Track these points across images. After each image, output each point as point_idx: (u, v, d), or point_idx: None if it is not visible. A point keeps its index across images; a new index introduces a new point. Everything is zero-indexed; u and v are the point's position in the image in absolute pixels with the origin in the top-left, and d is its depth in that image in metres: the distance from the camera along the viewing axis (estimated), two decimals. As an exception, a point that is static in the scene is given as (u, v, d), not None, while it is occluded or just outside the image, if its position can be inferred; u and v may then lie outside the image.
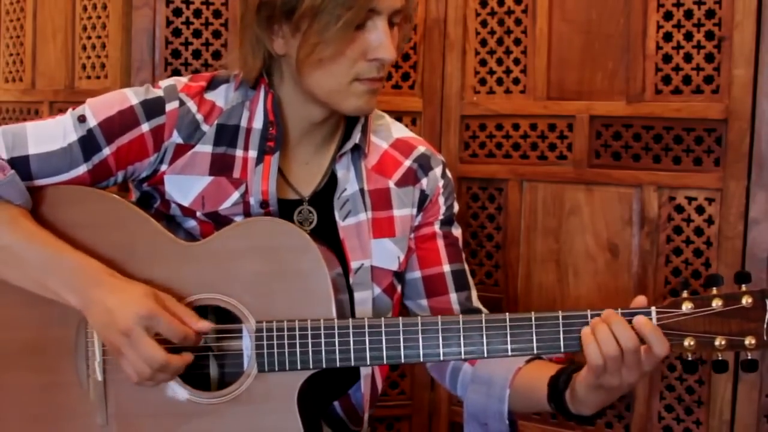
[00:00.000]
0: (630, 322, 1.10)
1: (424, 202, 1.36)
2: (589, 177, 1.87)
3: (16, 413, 1.23)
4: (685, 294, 1.12)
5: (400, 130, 1.40)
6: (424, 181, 1.35)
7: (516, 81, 1.95)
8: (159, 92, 1.26)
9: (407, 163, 1.35)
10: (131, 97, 1.25)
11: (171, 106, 1.25)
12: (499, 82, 1.97)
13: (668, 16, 1.78)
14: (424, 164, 1.36)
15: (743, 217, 1.71)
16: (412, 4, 1.25)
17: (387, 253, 1.32)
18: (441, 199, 1.37)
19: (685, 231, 1.79)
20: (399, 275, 1.35)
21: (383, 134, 1.37)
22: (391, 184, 1.34)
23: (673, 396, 1.81)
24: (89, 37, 2.03)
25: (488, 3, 1.97)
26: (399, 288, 1.36)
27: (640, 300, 1.14)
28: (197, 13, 1.94)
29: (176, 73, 1.94)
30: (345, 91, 1.21)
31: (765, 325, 1.09)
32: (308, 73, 1.20)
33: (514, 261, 1.96)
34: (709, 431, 1.77)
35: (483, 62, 1.98)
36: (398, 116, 2.01)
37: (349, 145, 1.30)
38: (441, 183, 1.37)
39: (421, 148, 1.38)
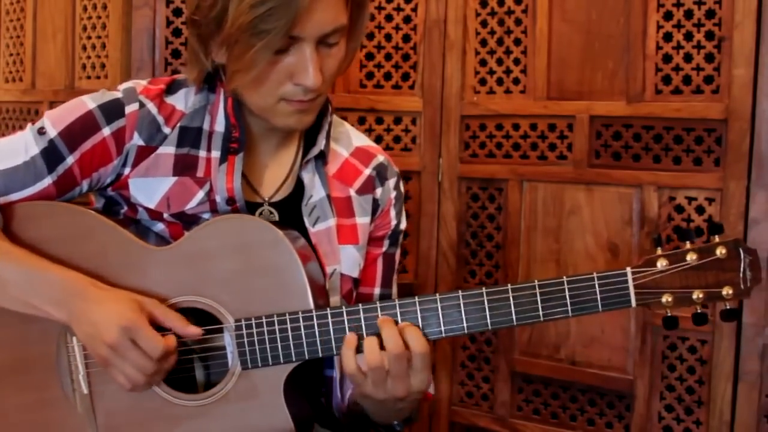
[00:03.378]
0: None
1: (375, 211, 1.37)
2: (589, 177, 1.87)
3: None
4: (659, 251, 1.12)
5: (360, 138, 1.40)
6: (378, 191, 1.36)
7: (516, 81, 1.95)
8: (117, 94, 1.25)
9: (367, 171, 1.36)
10: (88, 102, 1.24)
11: (131, 108, 1.24)
12: (499, 82, 1.97)
13: (668, 16, 1.78)
14: (381, 173, 1.37)
15: (743, 217, 1.71)
16: (359, 22, 1.22)
17: (351, 260, 1.33)
18: (392, 212, 1.38)
19: (685, 231, 1.79)
20: (356, 282, 1.35)
21: (344, 142, 1.37)
22: (352, 192, 1.34)
23: (673, 396, 1.81)
24: (89, 37, 2.03)
25: (488, 3, 1.97)
26: (354, 294, 1.37)
27: None
28: (197, 13, 1.94)
29: (176, 73, 1.94)
30: (272, 109, 1.20)
31: (741, 274, 1.10)
32: (240, 87, 1.19)
33: (514, 261, 1.96)
34: (709, 431, 1.77)
35: (483, 62, 1.98)
36: (398, 116, 2.02)
37: (314, 151, 1.30)
38: (393, 195, 1.38)
39: (380, 157, 1.39)
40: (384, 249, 1.39)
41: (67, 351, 1.21)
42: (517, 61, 1.95)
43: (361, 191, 1.35)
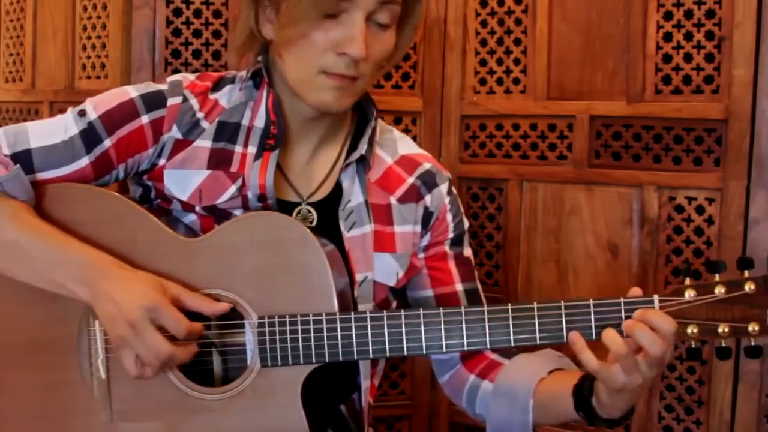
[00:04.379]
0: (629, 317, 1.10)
1: (429, 219, 1.35)
2: (589, 177, 1.87)
3: (20, 412, 1.23)
4: (687, 281, 1.11)
5: (407, 146, 1.39)
6: (427, 198, 1.34)
7: (516, 81, 1.95)
8: (161, 86, 1.28)
9: (410, 180, 1.35)
10: (131, 91, 1.27)
11: (174, 100, 1.26)
12: (499, 82, 1.97)
13: (668, 16, 1.78)
14: (428, 181, 1.35)
15: (743, 217, 1.71)
16: (413, 14, 1.23)
17: (387, 268, 1.31)
18: (449, 216, 1.36)
19: (685, 231, 1.79)
20: (395, 291, 1.35)
21: (389, 149, 1.36)
22: (393, 200, 1.33)
23: (673, 396, 1.81)
24: (89, 37, 2.03)
25: (488, 3, 1.97)
26: (393, 304, 1.36)
27: (636, 291, 1.13)
28: (197, 13, 1.94)
29: (176, 73, 1.93)
30: (310, 81, 1.19)
31: None
32: (283, 59, 1.20)
33: (514, 261, 1.96)
34: (709, 431, 1.77)
35: (483, 62, 1.98)
36: (398, 116, 2.02)
37: (355, 155, 1.29)
38: (447, 200, 1.36)
39: (426, 165, 1.37)
40: (447, 248, 1.36)
41: (88, 334, 1.21)
42: (517, 61, 1.95)
43: (403, 200, 1.33)
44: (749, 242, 1.70)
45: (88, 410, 1.21)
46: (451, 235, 1.36)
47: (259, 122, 1.27)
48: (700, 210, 1.77)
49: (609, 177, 1.85)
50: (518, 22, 1.94)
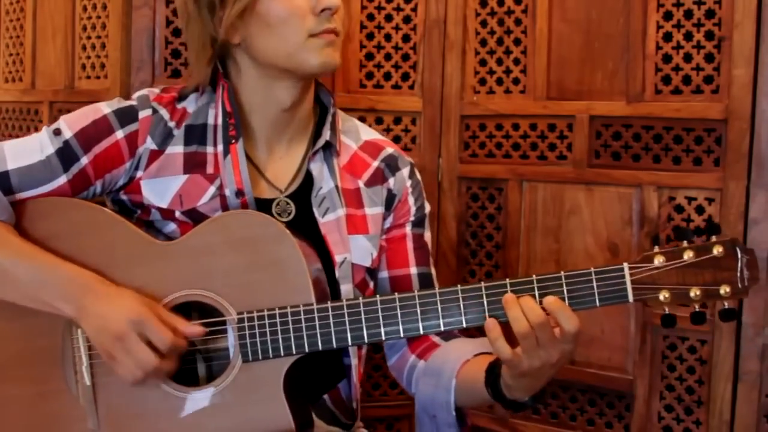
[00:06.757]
0: (541, 303, 1.12)
1: (392, 201, 1.40)
2: (589, 177, 1.87)
3: (8, 425, 1.24)
4: (656, 248, 1.13)
5: (368, 133, 1.44)
6: (391, 181, 1.40)
7: (516, 81, 1.95)
8: (131, 102, 1.32)
9: (375, 163, 1.40)
10: (103, 108, 1.30)
11: (144, 113, 1.30)
12: (499, 82, 1.97)
13: (668, 16, 1.78)
14: (391, 164, 1.40)
15: (743, 217, 1.71)
16: None
17: (362, 250, 1.35)
18: (411, 200, 1.41)
19: (685, 231, 1.79)
20: (371, 272, 1.38)
21: (352, 136, 1.42)
22: (361, 184, 1.38)
23: (673, 396, 1.81)
24: (89, 37, 2.03)
25: (488, 3, 1.97)
26: (371, 284, 1.39)
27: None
28: (197, 13, 1.94)
29: (176, 73, 1.94)
30: (303, 49, 1.25)
31: (738, 273, 1.11)
32: (263, 47, 1.26)
33: (514, 261, 1.96)
34: (709, 431, 1.77)
35: (483, 62, 1.98)
36: (398, 116, 2.02)
37: (320, 142, 1.34)
38: (409, 183, 1.41)
39: (389, 149, 1.42)
40: (408, 230, 1.41)
41: (71, 343, 1.23)
42: (516, 61, 1.95)
43: (369, 183, 1.39)
44: (749, 242, 1.70)
45: (76, 418, 1.22)
46: (412, 218, 1.41)
47: (220, 118, 1.31)
48: (699, 210, 1.77)
49: (609, 177, 1.85)
50: (518, 22, 1.94)
